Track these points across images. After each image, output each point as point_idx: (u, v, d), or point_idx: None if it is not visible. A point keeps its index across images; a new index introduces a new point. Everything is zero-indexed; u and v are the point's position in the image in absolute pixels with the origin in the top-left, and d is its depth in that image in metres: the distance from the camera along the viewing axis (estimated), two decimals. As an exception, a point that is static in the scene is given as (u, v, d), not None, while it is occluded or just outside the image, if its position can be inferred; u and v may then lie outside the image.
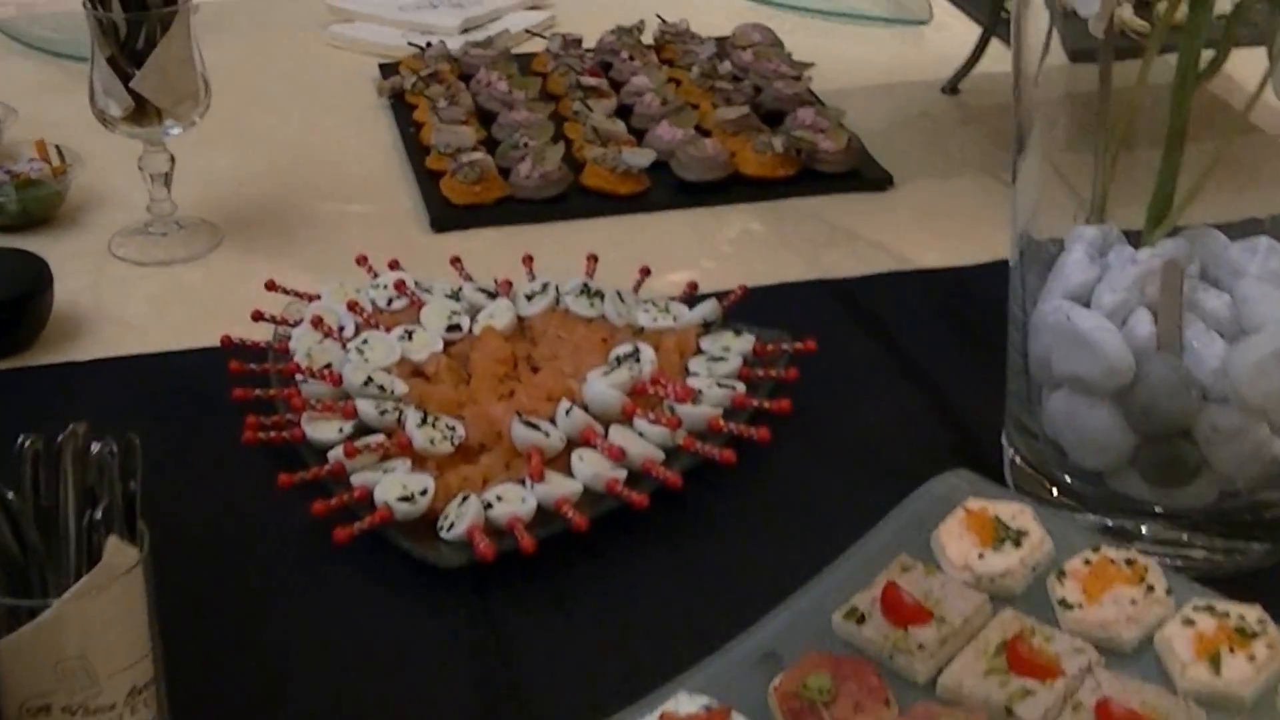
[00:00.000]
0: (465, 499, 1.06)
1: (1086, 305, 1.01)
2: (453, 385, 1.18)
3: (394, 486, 1.06)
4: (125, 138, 1.42)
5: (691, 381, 1.18)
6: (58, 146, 1.56)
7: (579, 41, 1.86)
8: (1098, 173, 1.04)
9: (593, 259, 1.33)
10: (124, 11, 1.36)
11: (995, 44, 1.77)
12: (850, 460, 1.16)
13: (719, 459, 1.11)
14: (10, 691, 0.80)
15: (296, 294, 1.30)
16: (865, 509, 1.03)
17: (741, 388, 1.18)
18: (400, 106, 1.75)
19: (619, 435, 1.12)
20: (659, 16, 1.92)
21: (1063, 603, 0.94)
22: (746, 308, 1.28)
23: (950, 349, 1.30)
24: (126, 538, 0.81)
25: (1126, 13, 1.02)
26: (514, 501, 1.05)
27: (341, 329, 1.24)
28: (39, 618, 0.79)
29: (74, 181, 1.54)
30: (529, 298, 1.28)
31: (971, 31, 1.85)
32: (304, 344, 1.22)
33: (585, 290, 1.27)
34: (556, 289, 1.28)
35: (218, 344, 1.24)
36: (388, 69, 1.85)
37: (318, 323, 1.24)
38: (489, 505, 1.05)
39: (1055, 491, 1.07)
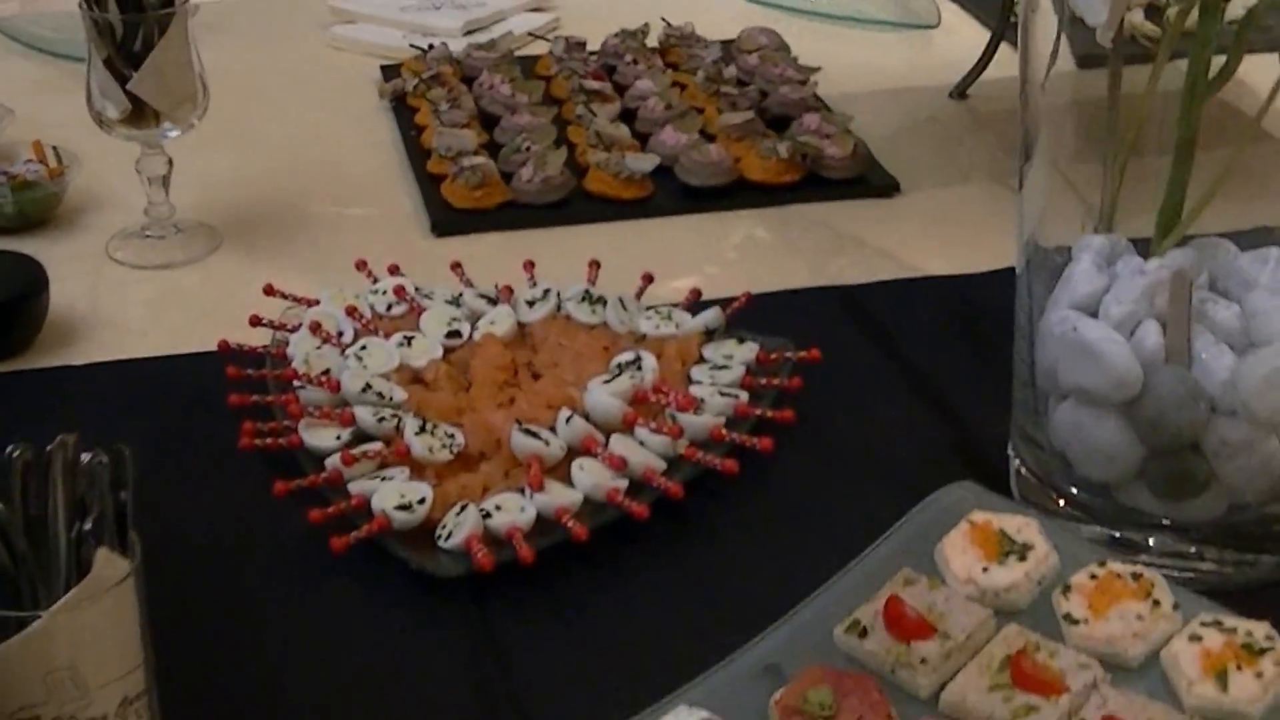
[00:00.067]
0: (464, 508, 1.05)
1: (1094, 316, 1.01)
2: (452, 392, 1.17)
3: (392, 495, 1.05)
4: (123, 140, 1.42)
5: (694, 390, 1.17)
6: (55, 148, 1.56)
7: (583, 44, 1.85)
8: (1106, 181, 1.03)
9: (595, 265, 1.32)
10: (120, 12, 1.35)
11: (1005, 48, 1.76)
12: (854, 471, 1.16)
13: (721, 469, 1.10)
14: (-1, 703, 0.80)
15: (295, 299, 1.30)
16: (869, 521, 1.02)
17: (744, 396, 1.17)
18: (401, 109, 1.74)
19: (620, 444, 1.11)
20: (664, 20, 1.91)
21: (1068, 618, 0.93)
22: (750, 315, 1.27)
23: (956, 358, 1.29)
24: (117, 548, 0.81)
25: (1137, 17, 1.02)
26: (513, 511, 1.05)
27: (340, 334, 1.24)
28: (28, 629, 0.78)
29: (71, 183, 1.53)
30: (530, 304, 1.27)
31: (980, 36, 1.84)
32: (302, 349, 1.21)
33: (587, 297, 1.27)
34: (558, 295, 1.27)
35: (215, 349, 1.24)
36: (389, 71, 1.84)
37: (316, 328, 1.23)
38: (488, 514, 1.04)
39: (1061, 503, 1.06)
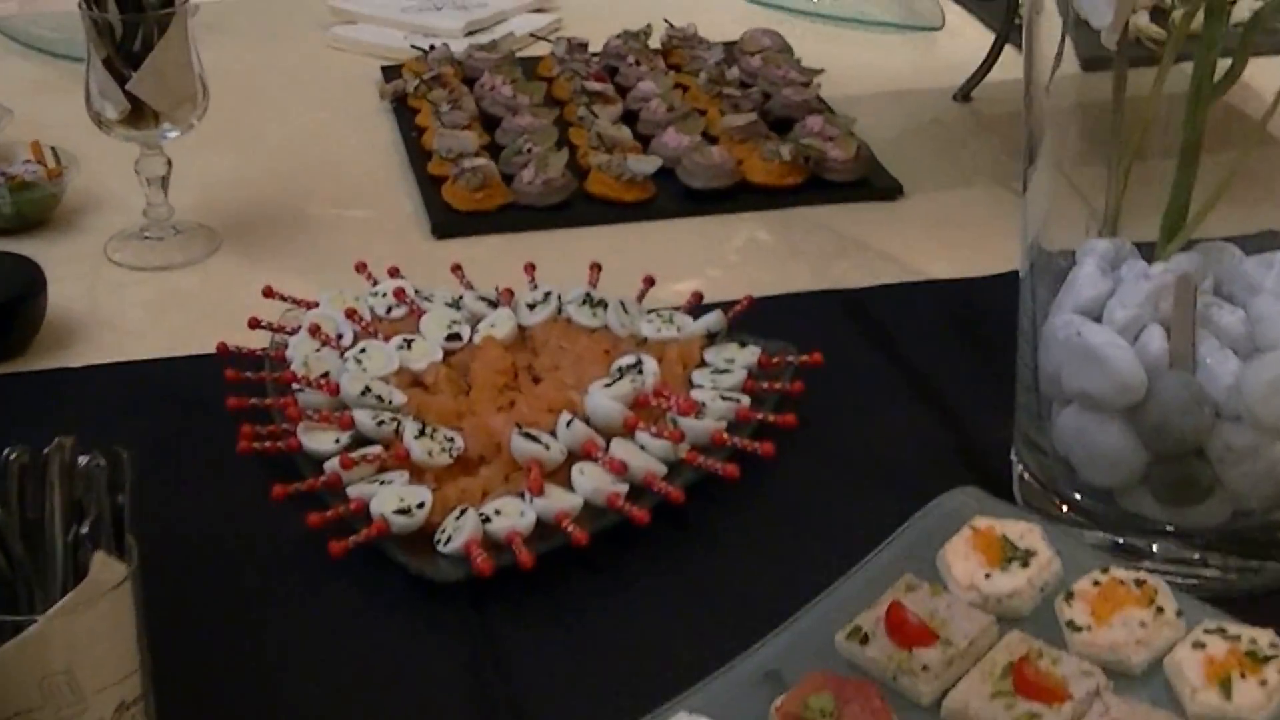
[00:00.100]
0: (463, 512, 1.04)
1: (1098, 320, 1.00)
2: (452, 396, 1.17)
3: (391, 499, 1.05)
4: (121, 141, 1.41)
5: (695, 394, 1.17)
6: (54, 148, 1.55)
7: (585, 46, 1.85)
8: (1111, 184, 1.03)
9: (596, 268, 1.31)
10: (120, 12, 1.35)
11: (1009, 51, 1.75)
12: (856, 475, 1.15)
13: (722, 474, 1.09)
14: (-6, 707, 0.80)
15: (294, 301, 1.29)
16: (871, 526, 1.02)
17: (746, 401, 1.16)
18: (402, 110, 1.74)
19: (620, 448, 1.10)
20: (666, 21, 1.91)
21: (1071, 624, 0.93)
22: (752, 318, 1.27)
23: (959, 362, 1.29)
24: (114, 552, 0.81)
25: (1142, 20, 1.01)
26: (513, 515, 1.04)
27: (340, 337, 1.23)
28: (24, 633, 0.78)
29: (70, 184, 1.53)
30: (531, 307, 1.27)
31: (985, 38, 1.83)
32: (301, 352, 1.21)
33: (588, 299, 1.26)
34: (559, 298, 1.27)
35: (214, 351, 1.23)
36: (390, 72, 1.84)
37: (315, 330, 1.23)
38: (487, 519, 1.04)
39: (1065, 508, 1.06)
